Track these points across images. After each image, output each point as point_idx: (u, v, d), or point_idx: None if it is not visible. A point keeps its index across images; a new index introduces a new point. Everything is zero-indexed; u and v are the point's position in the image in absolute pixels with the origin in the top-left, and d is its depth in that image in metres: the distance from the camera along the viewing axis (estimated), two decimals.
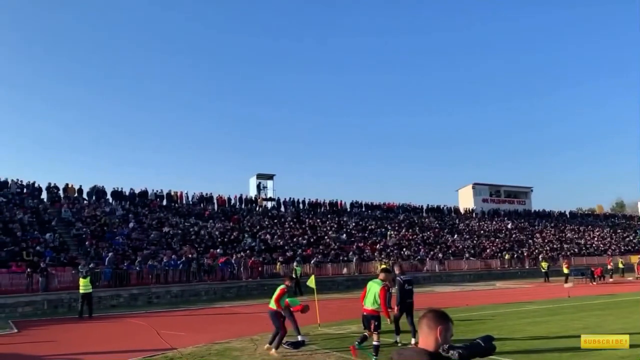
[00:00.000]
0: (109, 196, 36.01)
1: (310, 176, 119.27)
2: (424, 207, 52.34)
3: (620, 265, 39.16)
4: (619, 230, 58.26)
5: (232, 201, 41.59)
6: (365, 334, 9.94)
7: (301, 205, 44.60)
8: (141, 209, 35.22)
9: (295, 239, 36.45)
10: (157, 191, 38.39)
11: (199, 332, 14.04)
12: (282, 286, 11.15)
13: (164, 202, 38.03)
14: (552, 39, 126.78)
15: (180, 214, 36.12)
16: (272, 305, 10.84)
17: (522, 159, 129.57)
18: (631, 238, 55.51)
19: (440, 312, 2.55)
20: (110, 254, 26.12)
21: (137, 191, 37.37)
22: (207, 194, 40.22)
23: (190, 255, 28.87)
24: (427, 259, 38.13)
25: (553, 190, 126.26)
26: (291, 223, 39.82)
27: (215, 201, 40.35)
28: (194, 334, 13.74)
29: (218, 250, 31.18)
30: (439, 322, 2.48)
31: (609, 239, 54.02)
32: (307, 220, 41.38)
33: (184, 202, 39.17)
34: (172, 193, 38.81)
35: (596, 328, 13.28)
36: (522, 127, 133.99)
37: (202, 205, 39.31)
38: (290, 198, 44.62)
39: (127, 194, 36.74)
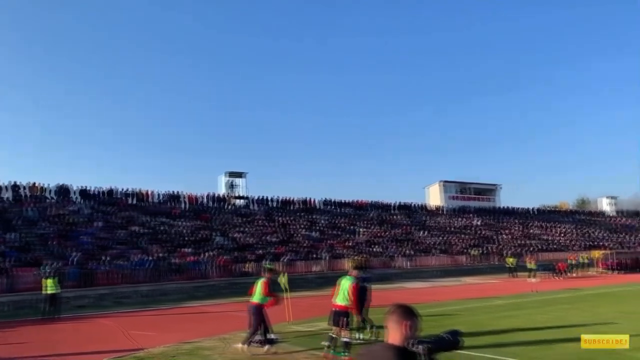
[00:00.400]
0: (75, 195, 35.20)
1: (282, 174, 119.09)
2: (394, 205, 52.87)
3: (584, 260, 40.41)
4: (582, 226, 59.98)
5: (202, 199, 41.19)
6: (332, 334, 9.90)
7: (273, 204, 44.47)
8: (108, 208, 34.55)
9: (266, 237, 36.34)
10: (124, 190, 37.71)
11: (169, 332, 13.86)
12: (263, 279, 11.02)
13: (132, 201, 37.40)
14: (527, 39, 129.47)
15: (149, 213, 35.57)
16: (257, 298, 10.72)
17: (490, 157, 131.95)
18: (595, 234, 57.21)
19: (407, 307, 2.60)
20: (77, 254, 25.54)
21: (104, 190, 36.65)
22: (176, 192, 39.73)
23: (159, 254, 28.46)
24: (397, 256, 38.54)
25: (520, 188, 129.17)
26: (262, 221, 39.69)
27: (184, 199, 39.89)
28: (164, 333, 13.57)
29: (188, 249, 30.84)
30: (406, 317, 2.53)
31: (572, 235, 55.58)
32: (278, 218, 41.31)
33: (153, 200, 38.59)
34: (140, 191, 38.18)
35: (560, 321, 13.69)
36: (490, 125, 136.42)
37: (171, 203, 38.79)
38: (261, 196, 44.47)
39: (93, 192, 35.98)
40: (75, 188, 35.71)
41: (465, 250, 43.35)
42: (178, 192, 39.92)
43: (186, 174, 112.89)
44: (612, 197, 72.51)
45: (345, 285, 9.94)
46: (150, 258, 27.63)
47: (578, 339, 10.57)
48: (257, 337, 10.57)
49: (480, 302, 19.58)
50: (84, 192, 35.48)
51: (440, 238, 45.87)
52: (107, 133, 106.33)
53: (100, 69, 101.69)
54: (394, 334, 2.52)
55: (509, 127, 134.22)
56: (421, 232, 46.40)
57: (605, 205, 71.95)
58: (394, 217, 49.82)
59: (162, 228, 33.30)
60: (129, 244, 29.67)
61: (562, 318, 14.38)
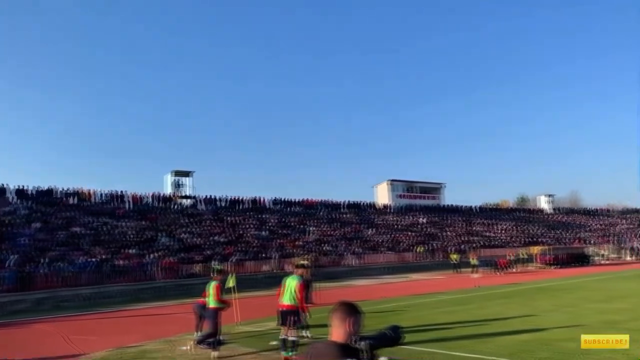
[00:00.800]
0: (11, 195, 33.51)
1: (231, 173, 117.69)
2: (344, 203, 53.36)
3: (523, 256, 42.15)
4: (522, 224, 62.48)
5: (147, 199, 40.14)
6: (283, 336, 9.85)
7: (222, 203, 43.92)
8: (47, 208, 33.08)
9: (214, 238, 35.85)
10: (65, 189, 36.22)
11: (112, 336, 13.43)
12: (215, 282, 10.88)
13: (73, 201, 35.99)
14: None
15: (91, 213, 34.32)
16: (213, 303, 10.57)
17: (435, 156, 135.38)
18: (533, 230, 59.71)
19: (350, 304, 2.65)
20: (13, 256, 24.31)
21: (42, 189, 35.07)
22: (119, 192, 38.55)
23: (102, 256, 27.52)
24: (347, 254, 38.92)
25: (463, 186, 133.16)
26: (210, 221, 39.12)
27: (128, 199, 38.74)
28: (107, 337, 13.14)
29: (132, 250, 29.97)
30: (349, 314, 2.57)
31: (513, 232, 57.79)
32: (227, 218, 40.82)
33: (95, 200, 37.28)
34: (82, 191, 36.79)
35: (500, 315, 14.23)
36: (434, 125, 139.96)
37: (114, 203, 37.60)
38: (209, 195, 43.79)
39: (31, 192, 34.37)
40: (12, 188, 34.05)
41: (411, 248, 44.25)
42: (122, 191, 38.79)
43: (130, 174, 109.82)
44: (549, 195, 75.91)
45: (292, 284, 9.94)
46: (93, 260, 26.67)
47: (516, 332, 11.12)
48: (201, 338, 10.45)
49: (426, 298, 20.07)
50: (20, 192, 33.84)
51: (388, 236, 46.64)
52: (48, 132, 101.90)
53: (39, 66, 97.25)
54: (337, 331, 2.56)
55: (455, 129, 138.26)
56: (370, 230, 47.04)
57: (544, 203, 75.25)
58: (344, 215, 50.28)
59: (105, 229, 32.21)
60: (70, 246, 28.52)
61: (502, 312, 14.95)
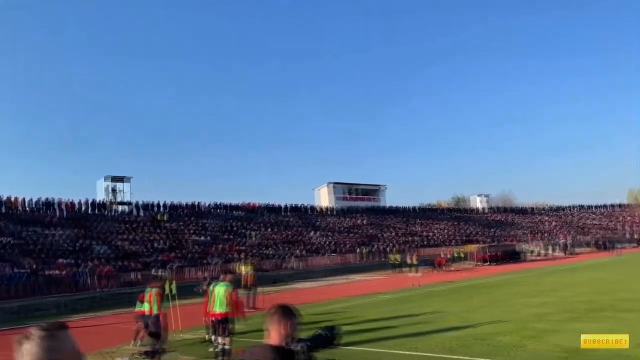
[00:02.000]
0: None
1: (170, 178, 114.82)
2: (286, 207, 53.35)
3: (460, 255, 43.72)
4: (459, 223, 64.73)
5: (80, 206, 38.45)
6: (221, 346, 9.62)
7: (160, 209, 42.79)
8: None
9: (153, 245, 34.88)
10: None
11: None
12: (156, 289, 10.61)
13: (0, 210, 34.00)
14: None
15: (20, 222, 32.53)
16: (156, 310, 10.29)
17: (375, 159, 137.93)
18: (469, 230, 61.97)
19: (287, 307, 2.69)
20: None
21: None
22: (50, 200, 36.75)
23: (32, 267, 26.14)
24: (289, 257, 38.92)
25: (402, 188, 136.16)
26: (148, 228, 38.04)
27: (60, 207, 36.97)
28: None
29: (66, 260, 28.64)
30: (286, 317, 2.61)
31: (450, 231, 59.75)
32: (165, 224, 39.82)
33: (24, 208, 35.37)
34: (9, 199, 34.81)
35: (439, 312, 14.70)
36: (371, 130, 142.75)
37: (45, 211, 35.81)
38: (147, 202, 42.57)
39: None
40: None
41: (353, 249, 44.84)
42: (53, 199, 36.97)
43: (60, 180, 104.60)
44: (484, 195, 79.06)
45: (220, 291, 9.81)
46: (22, 271, 25.29)
47: (454, 328, 11.52)
48: (143, 348, 10.19)
49: (368, 299, 20.40)
50: None
51: (330, 238, 47.05)
52: None
53: None
54: (274, 334, 2.59)
55: (393, 134, 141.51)
56: (312, 233, 47.27)
57: (479, 203, 78.28)
58: (286, 219, 50.26)
59: (35, 238, 30.61)
60: None
61: (440, 309, 15.45)
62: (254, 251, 38.42)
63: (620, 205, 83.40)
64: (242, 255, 36.08)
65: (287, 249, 40.92)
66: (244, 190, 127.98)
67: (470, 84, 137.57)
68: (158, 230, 38.01)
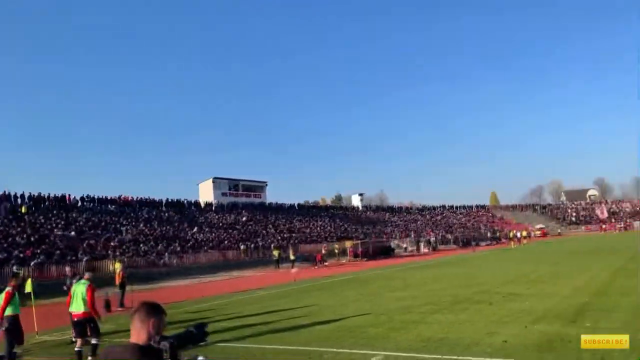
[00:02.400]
0: None
1: (35, 168, 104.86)
2: (164, 201, 51.37)
3: (338, 250, 45.29)
4: (337, 220, 66.90)
5: None
6: (93, 341, 9.19)
7: (19, 200, 38.97)
8: None
9: (10, 239, 31.64)
10: None
11: None
12: (7, 289, 9.60)
13: None
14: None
15: None
16: (12, 310, 9.41)
17: (258, 155, 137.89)
18: (347, 226, 64.30)
19: (153, 304, 2.57)
20: None
21: None
22: None
23: None
24: (166, 254, 37.52)
25: (285, 185, 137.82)
26: (7, 220, 34.44)
27: None
28: None
29: None
30: (151, 315, 2.51)
31: (329, 228, 61.53)
32: (26, 216, 36.31)
33: None
34: None
35: (314, 306, 15.08)
36: (256, 125, 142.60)
37: None
38: (5, 192, 38.49)
39: None
40: None
41: (235, 245, 44.43)
42: None
43: None
44: (361, 194, 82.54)
45: (80, 290, 9.29)
46: None
47: (327, 321, 11.87)
48: (7, 352, 9.23)
49: (245, 295, 20.34)
50: None
51: (211, 234, 46.16)
52: None
53: None
54: (138, 333, 2.47)
55: (278, 132, 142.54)
56: (192, 229, 46.00)
57: (356, 201, 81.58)
58: (164, 214, 48.41)
59: None
60: None
61: (315, 303, 15.83)
62: (127, 247, 36.48)
63: (482, 206, 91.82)
64: (114, 252, 34.12)
65: (164, 245, 39.37)
66: (119, 183, 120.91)
67: (359, 88, 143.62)
68: (18, 223, 34.55)
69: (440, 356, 7.90)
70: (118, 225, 40.75)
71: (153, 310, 2.54)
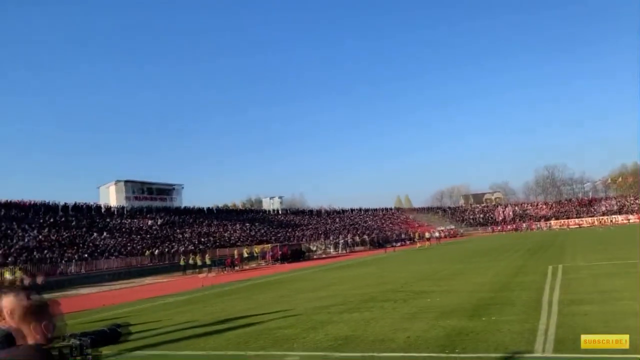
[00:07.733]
0: None
1: None
2: (66, 205, 48.25)
3: (255, 254, 44.99)
4: (254, 223, 66.29)
5: None
6: None
7: None
8: None
9: None
10: None
11: None
12: None
13: None
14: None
15: None
16: None
17: (171, 159, 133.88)
18: (264, 229, 63.85)
19: (45, 302, 2.42)
20: None
21: None
22: None
23: None
24: (68, 261, 35.27)
25: (201, 188, 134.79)
26: None
27: None
28: None
29: None
30: (41, 315, 2.34)
31: (245, 231, 60.80)
32: None
33: None
34: None
35: (227, 311, 14.82)
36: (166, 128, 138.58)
37: None
38: None
39: None
40: None
41: (145, 251, 42.70)
42: None
43: None
44: (278, 197, 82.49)
45: None
46: None
47: (240, 326, 11.69)
48: None
49: (153, 302, 19.59)
50: None
51: (119, 240, 44.03)
52: None
53: None
54: (34, 334, 2.29)
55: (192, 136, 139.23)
56: (96, 235, 43.59)
57: (271, 205, 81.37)
58: (65, 219, 45.48)
59: None
60: None
61: (227, 308, 15.56)
62: (24, 254, 33.88)
63: (390, 209, 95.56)
64: (8, 259, 31.58)
65: (65, 251, 36.96)
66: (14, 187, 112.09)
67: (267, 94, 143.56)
68: None
69: (346, 354, 8.05)
70: (10, 231, 37.70)
71: (44, 309, 2.37)
